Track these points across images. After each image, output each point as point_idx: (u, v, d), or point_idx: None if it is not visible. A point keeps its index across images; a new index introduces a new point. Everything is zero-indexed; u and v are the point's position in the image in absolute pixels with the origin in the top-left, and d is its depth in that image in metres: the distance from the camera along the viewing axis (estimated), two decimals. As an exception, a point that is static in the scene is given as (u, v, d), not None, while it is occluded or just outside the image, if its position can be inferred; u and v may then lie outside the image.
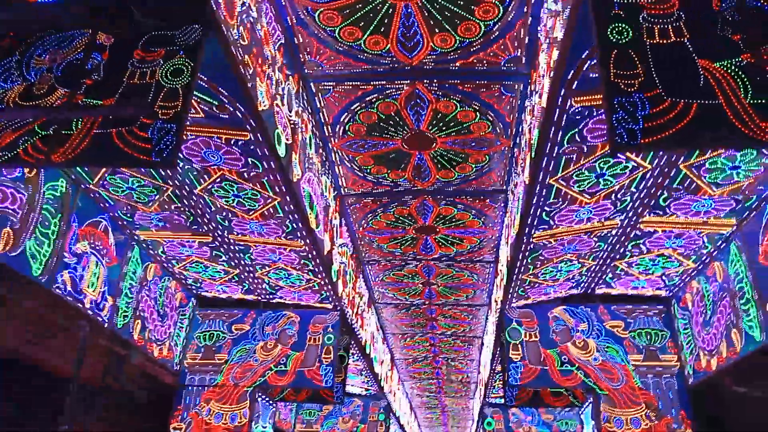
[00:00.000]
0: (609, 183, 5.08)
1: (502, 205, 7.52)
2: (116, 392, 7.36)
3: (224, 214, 5.95)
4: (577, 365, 7.46)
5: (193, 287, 8.18)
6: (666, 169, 4.93)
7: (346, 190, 7.35)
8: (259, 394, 8.09)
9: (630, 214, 5.65)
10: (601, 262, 6.72)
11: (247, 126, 4.50)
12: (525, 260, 6.41)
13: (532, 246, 6.10)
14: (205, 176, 5.35)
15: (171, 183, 5.54)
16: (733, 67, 2.70)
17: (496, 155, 6.54)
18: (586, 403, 7.83)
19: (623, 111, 2.66)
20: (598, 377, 7.36)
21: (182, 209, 6.00)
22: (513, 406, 8.55)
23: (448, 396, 18.65)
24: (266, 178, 5.25)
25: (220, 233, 6.43)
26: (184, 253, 7.07)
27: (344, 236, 8.11)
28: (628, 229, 5.91)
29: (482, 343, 13.08)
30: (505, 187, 7.16)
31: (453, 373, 16.18)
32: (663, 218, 5.73)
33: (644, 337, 7.56)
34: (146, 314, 7.08)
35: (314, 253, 6.58)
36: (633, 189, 5.23)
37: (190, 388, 7.96)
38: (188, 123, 4.57)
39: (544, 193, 5.12)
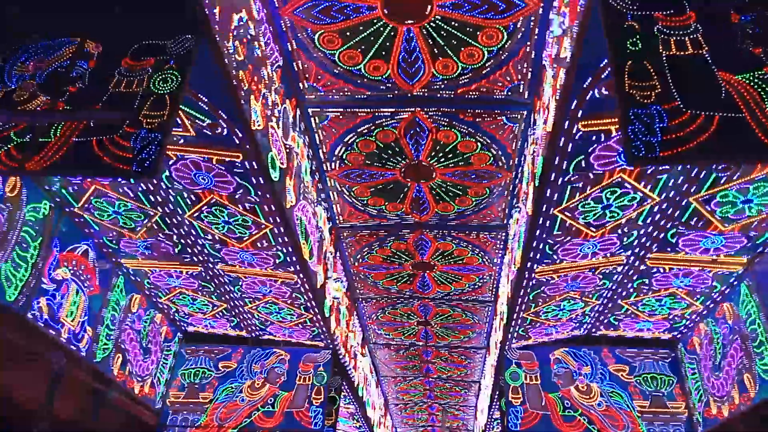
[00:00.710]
0: (615, 215, 4.88)
1: (502, 242, 7.30)
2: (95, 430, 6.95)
3: (213, 241, 5.70)
4: (580, 410, 7.09)
5: (180, 321, 7.85)
6: (675, 202, 4.73)
7: (341, 220, 7.13)
8: (244, 436, 7.65)
9: (637, 250, 5.43)
10: (605, 302, 6.46)
11: (240, 145, 4.31)
12: (527, 297, 6.14)
13: (534, 281, 5.85)
14: (195, 200, 5.13)
15: (159, 208, 5.32)
16: (756, 80, 2.55)
17: (496, 189, 6.36)
18: (591, 451, 7.43)
19: (640, 123, 2.51)
20: (602, 424, 6.98)
21: (170, 236, 5.76)
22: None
23: (443, 445, 17.96)
24: (258, 204, 5.03)
25: (209, 263, 6.17)
26: (170, 284, 6.78)
27: (339, 270, 7.85)
28: (635, 266, 5.67)
29: (479, 389, 12.62)
30: (505, 222, 6.96)
31: (449, 420, 15.60)
32: (670, 255, 5.51)
33: (650, 382, 7.22)
34: (128, 348, 6.73)
35: (306, 285, 6.31)
36: (640, 223, 5.02)
37: (171, 430, 7.52)
38: (178, 141, 4.39)
39: (547, 225, 4.91)
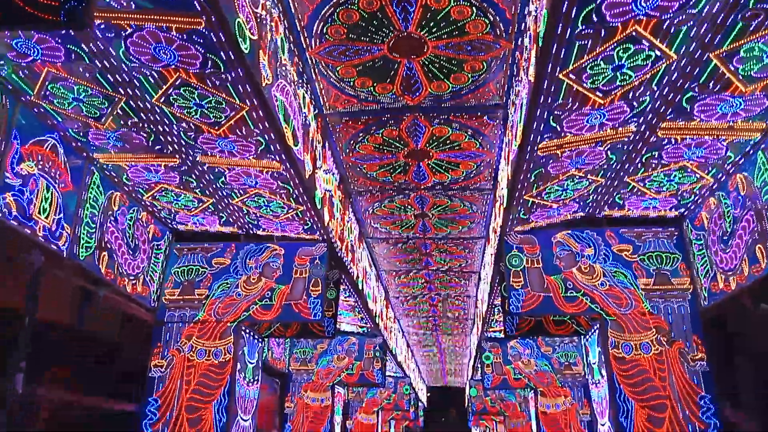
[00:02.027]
0: (627, 78, 4.39)
1: (501, 123, 6.84)
2: (86, 332, 6.89)
3: (188, 129, 5.25)
4: (582, 291, 6.97)
5: (167, 219, 7.57)
6: (694, 59, 4.23)
7: (327, 106, 6.63)
8: (245, 329, 7.62)
9: (648, 118, 4.98)
10: (611, 179, 6.10)
11: (201, 10, 3.75)
12: (528, 177, 5.78)
13: (536, 159, 5.46)
14: (160, 80, 4.62)
15: (123, 91, 4.82)
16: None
17: (495, 62, 5.80)
18: (592, 330, 7.40)
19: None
20: (605, 303, 6.88)
21: (140, 125, 5.30)
22: (513, 337, 8.15)
23: (444, 333, 18.49)
24: (230, 82, 4.53)
25: (187, 154, 5.75)
26: (150, 180, 6.41)
27: (329, 162, 7.45)
28: (645, 137, 5.25)
29: (479, 278, 12.66)
30: (504, 101, 6.46)
31: (449, 310, 15.90)
32: (684, 124, 5.07)
33: (654, 260, 7.04)
34: (114, 247, 6.49)
35: (294, 175, 5.93)
36: (654, 86, 4.54)
37: (169, 324, 7.47)
38: (131, 7, 3.83)
39: (552, 91, 4.44)
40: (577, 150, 5.41)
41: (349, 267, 9.00)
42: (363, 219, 9.83)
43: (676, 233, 7.12)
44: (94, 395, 7.18)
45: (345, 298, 10.23)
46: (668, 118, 5.00)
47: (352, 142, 7.28)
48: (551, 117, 4.79)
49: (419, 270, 12.55)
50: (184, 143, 5.54)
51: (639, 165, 5.81)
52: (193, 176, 6.26)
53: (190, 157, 5.82)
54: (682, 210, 6.89)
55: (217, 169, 6.05)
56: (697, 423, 6.31)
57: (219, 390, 7.06)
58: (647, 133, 5.17)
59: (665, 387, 6.50)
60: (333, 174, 7.69)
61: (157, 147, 5.70)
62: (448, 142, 7.19)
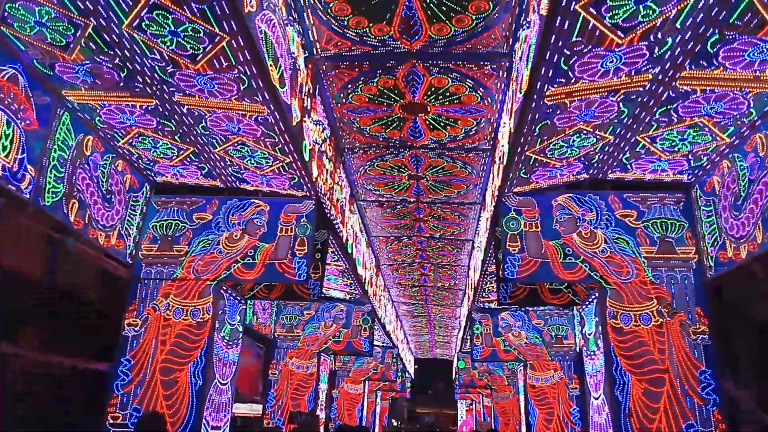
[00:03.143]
0: (650, 14, 3.94)
1: (505, 76, 6.38)
2: (57, 285, 6.47)
3: (163, 61, 4.76)
4: (582, 257, 6.61)
5: (146, 170, 7.10)
6: (727, -7, 3.79)
7: (318, 49, 6.14)
8: (226, 289, 7.23)
9: (668, 66, 4.55)
10: (620, 136, 5.69)
11: None
12: (532, 129, 5.35)
13: (543, 109, 5.03)
14: (130, 2, 4.13)
15: (90, 17, 4.33)
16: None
17: (502, 2, 5.33)
18: (588, 300, 7.07)
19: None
20: (605, 270, 6.54)
21: (111, 56, 4.81)
22: (506, 305, 7.81)
23: (434, 304, 18.22)
24: (207, 4, 4.05)
25: (163, 93, 5.27)
26: (125, 122, 5.93)
27: (319, 113, 6.98)
28: (662, 87, 4.82)
29: (472, 247, 12.30)
30: (509, 50, 5.99)
31: (441, 280, 15.58)
32: (706, 72, 4.64)
33: (659, 227, 6.68)
34: (85, 195, 6.03)
35: (279, 121, 5.47)
36: (678, 26, 4.10)
37: (146, 281, 7.06)
38: None
39: (566, 27, 3.99)
40: (588, 100, 4.98)
41: (338, 228, 8.59)
42: (354, 179, 9.40)
43: (684, 199, 6.74)
44: (65, 354, 6.80)
45: (333, 262, 9.84)
46: (689, 66, 4.56)
47: (344, 91, 6.80)
48: (563, 59, 4.35)
49: (411, 236, 12.17)
50: (159, 80, 5.06)
51: (652, 121, 5.39)
52: (172, 120, 5.79)
53: (167, 97, 5.34)
54: (692, 175, 6.51)
55: (196, 112, 5.58)
56: (696, 398, 6.03)
57: (196, 352, 6.69)
58: (665, 80, 4.74)
59: (664, 360, 6.20)
60: (323, 126, 7.23)
61: (131, 84, 5.22)
62: (447, 94, 6.73)
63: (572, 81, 4.67)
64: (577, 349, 11.80)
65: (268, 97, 5.11)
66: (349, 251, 9.80)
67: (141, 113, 5.72)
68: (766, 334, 6.09)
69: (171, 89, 5.20)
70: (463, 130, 7.59)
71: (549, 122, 5.28)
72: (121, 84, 5.22)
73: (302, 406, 12.53)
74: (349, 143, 8.17)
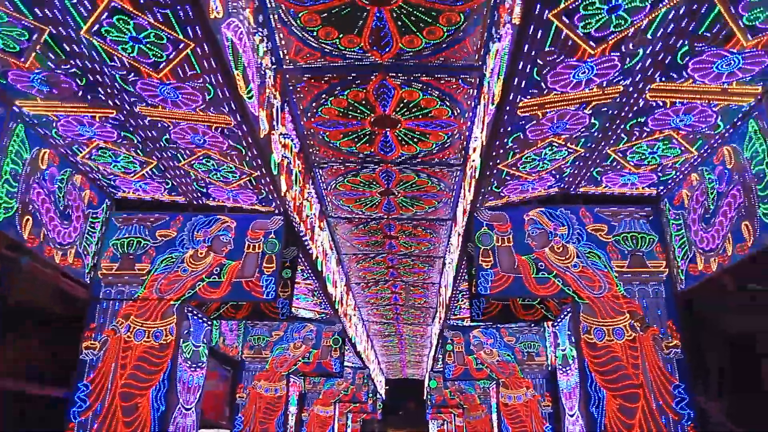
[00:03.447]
0: (623, 23, 3.94)
1: (476, 89, 6.35)
2: (9, 305, 6.12)
3: (124, 69, 4.56)
4: (554, 272, 6.56)
5: (106, 185, 6.82)
6: (696, 1, 3.81)
7: (287, 60, 6.01)
8: (190, 309, 6.94)
9: (638, 77, 4.56)
10: (591, 149, 5.69)
11: None
12: (505, 141, 5.30)
13: (515, 120, 4.98)
14: (89, 6, 3.94)
15: (45, 20, 4.12)
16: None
17: (473, 14, 5.30)
18: (561, 316, 7.01)
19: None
20: (578, 285, 6.49)
21: (69, 64, 4.59)
22: (480, 321, 7.70)
23: (405, 323, 18.05)
24: (172, 10, 3.89)
25: (125, 103, 5.05)
26: (84, 135, 5.68)
27: (288, 127, 6.83)
28: (633, 99, 4.84)
29: (444, 264, 12.22)
30: (480, 63, 5.97)
31: (412, 298, 15.44)
32: (675, 85, 4.68)
33: (630, 241, 6.69)
34: (40, 210, 5.73)
35: (246, 133, 5.31)
36: (649, 36, 4.11)
37: (105, 302, 6.73)
38: None
39: (539, 36, 3.95)
40: (560, 112, 4.96)
41: (307, 245, 8.40)
42: (324, 195, 9.24)
43: (653, 213, 6.78)
44: (16, 379, 6.41)
45: (303, 280, 9.62)
46: (659, 78, 4.59)
47: (314, 104, 6.68)
48: (535, 68, 4.31)
49: (382, 254, 12.03)
50: (120, 89, 4.85)
51: (622, 134, 5.41)
52: (133, 132, 5.56)
53: (129, 108, 5.13)
54: (661, 188, 6.55)
55: (160, 124, 5.37)
56: (670, 414, 5.98)
57: (158, 375, 6.38)
58: (635, 94, 4.75)
59: (638, 375, 6.16)
60: (292, 140, 7.07)
61: (90, 94, 4.99)
62: (418, 107, 6.67)
63: (544, 92, 4.64)
64: (550, 367, 11.76)
65: (235, 108, 4.95)
66: (319, 269, 9.60)
67: (101, 125, 5.48)
68: (736, 346, 6.11)
69: (133, 99, 4.99)
70: (435, 145, 7.53)
71: (521, 134, 5.25)
72: (80, 94, 4.99)
73: (270, 430, 12.15)
74: (318, 158, 8.02)
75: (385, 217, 10.07)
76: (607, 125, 5.24)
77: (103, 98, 5.02)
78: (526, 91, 4.58)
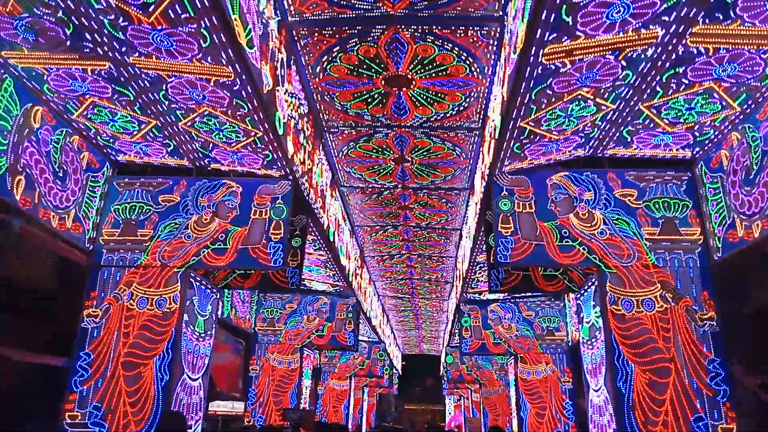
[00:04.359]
0: (665, -50, 3.45)
1: (496, 42, 5.87)
2: (5, 272, 5.87)
3: (112, 12, 4.19)
4: (579, 240, 6.14)
5: (106, 148, 6.52)
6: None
7: (293, 12, 5.59)
8: (196, 277, 6.67)
9: (682, 14, 4.06)
10: (623, 103, 5.21)
11: None
12: (528, 95, 4.85)
13: (540, 70, 4.52)
14: (66, -64, 3.56)
15: (22, -45, 3.76)
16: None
17: (493, -44, 4.83)
18: (586, 286, 6.60)
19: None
20: (604, 253, 6.07)
21: (53, 8, 4.23)
22: (498, 292, 7.33)
23: (421, 297, 17.74)
24: (157, -62, 3.50)
25: (116, 53, 4.70)
26: (78, 91, 5.35)
27: (294, 85, 6.44)
28: (671, 45, 4.35)
29: (460, 236, 11.82)
30: (501, 13, 5.49)
31: (428, 272, 15.10)
32: (721, 27, 4.17)
33: (661, 207, 6.23)
34: (34, 172, 5.44)
35: (247, 84, 4.92)
36: (695, -34, 3.61)
37: (107, 268, 6.48)
38: None
39: (569, -34, 3.48)
40: (589, 60, 4.49)
41: (318, 213, 8.05)
42: (335, 162, 8.86)
43: (687, 177, 6.30)
44: (18, 347, 6.21)
45: (314, 250, 9.31)
46: (703, 19, 4.09)
47: (322, 61, 6.26)
48: (564, 6, 3.84)
49: (397, 226, 11.66)
50: (110, 36, 4.49)
51: (657, 86, 4.92)
52: (129, 87, 5.21)
53: (121, 58, 4.77)
54: (697, 150, 6.06)
55: (155, 77, 5.01)
56: (704, 390, 5.57)
57: (162, 344, 6.13)
58: (674, 40, 4.26)
59: (669, 349, 5.75)
60: (300, 101, 6.68)
61: (79, 43, 4.64)
62: (433, 64, 6.21)
63: (573, 35, 4.17)
64: (570, 341, 11.39)
65: (233, 57, 4.56)
66: (331, 239, 9.27)
67: (94, 79, 5.14)
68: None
69: (124, 49, 4.63)
70: (451, 106, 7.08)
71: (546, 86, 4.79)
72: (68, 43, 4.64)
73: (285, 403, 12.00)
74: (328, 121, 7.62)
75: (400, 186, 9.67)
76: (641, 76, 4.76)
77: (94, 48, 4.66)
78: (553, 33, 4.12)
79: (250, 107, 5.27)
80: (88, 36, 4.51)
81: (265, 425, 11.50)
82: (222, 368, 11.37)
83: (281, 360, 12.28)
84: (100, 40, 4.53)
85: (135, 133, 6.07)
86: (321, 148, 8.16)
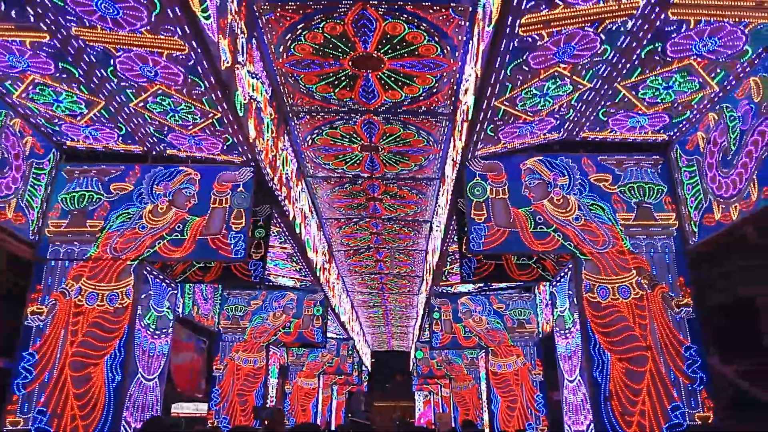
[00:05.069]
0: None
1: (468, 20, 5.61)
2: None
3: (48, -25, 3.79)
4: (554, 226, 5.95)
5: (51, 132, 6.04)
6: None
7: (253, -17, 5.24)
8: (151, 270, 6.25)
9: (661, -14, 3.88)
10: (601, 81, 5.02)
11: None
12: (503, 71, 4.60)
13: (516, 43, 4.28)
14: None
15: None
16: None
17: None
18: (561, 274, 6.42)
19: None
20: (579, 240, 5.90)
21: (-20, -32, 3.81)
22: (470, 281, 7.10)
23: (391, 292, 17.49)
24: None
25: (59, 24, 4.27)
26: (16, 67, 4.89)
27: (256, 65, 6.07)
28: (652, 17, 4.16)
29: (431, 228, 11.59)
30: (473, -11, 5.24)
31: (397, 267, 14.85)
32: (703, -1, 4.01)
33: (636, 192, 6.09)
34: (-33, 155, 4.96)
35: (203, 61, 4.55)
36: (679, -72, 3.42)
37: (53, 262, 6.01)
38: None
39: None
40: (568, 32, 4.27)
41: (282, 203, 7.69)
42: (301, 151, 8.50)
43: (661, 161, 6.18)
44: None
45: (280, 243, 8.94)
46: (685, -12, 3.91)
47: (286, 39, 5.91)
48: (543, -29, 3.61)
49: (366, 219, 11.36)
50: (49, 4, 4.06)
51: (636, 62, 4.74)
52: (73, 63, 4.78)
53: (63, 30, 4.34)
54: (673, 132, 5.94)
55: (101, 51, 4.59)
56: (681, 378, 5.45)
57: (114, 342, 5.71)
58: (657, 9, 4.07)
59: (646, 336, 5.61)
60: (262, 83, 6.32)
61: (14, 10, 4.20)
62: (403, 44, 5.93)
63: (552, 5, 3.94)
64: (541, 334, 11.29)
65: (188, 29, 4.19)
66: (297, 231, 8.92)
67: (33, 53, 4.69)
68: (753, 304, 5.58)
69: (67, 17, 4.21)
70: (422, 90, 6.81)
71: (522, 62, 4.55)
72: (2, 9, 4.20)
73: (250, 403, 11.58)
74: (293, 106, 7.27)
75: (369, 176, 9.38)
76: (620, 51, 4.57)
77: (31, 17, 4.23)
78: (531, 2, 3.88)
79: (207, 85, 4.90)
80: (24, 3, 4.08)
81: (232, 426, 11.08)
82: (184, 368, 10.92)
83: (246, 358, 11.86)
84: (38, 8, 4.10)
85: (82, 115, 5.62)
86: (286, 135, 7.80)
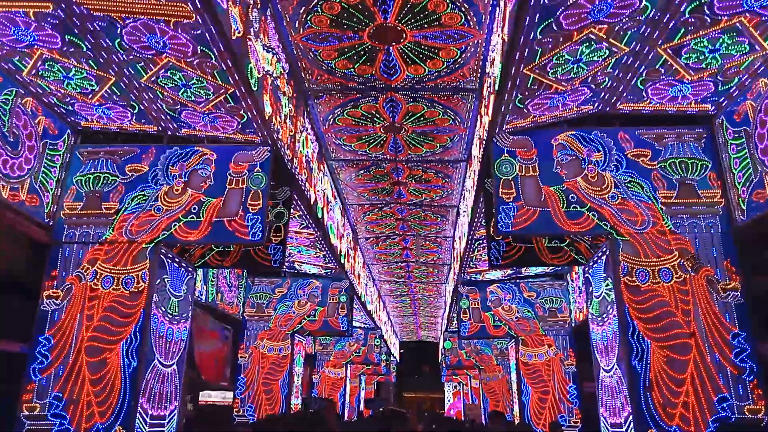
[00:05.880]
0: None
1: (495, -11, 5.26)
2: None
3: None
4: (588, 205, 5.56)
5: (64, 112, 5.90)
6: None
7: (265, -52, 4.97)
8: (168, 254, 6.08)
9: (711, -72, 3.46)
10: (640, 44, 4.60)
11: None
12: (533, 33, 4.24)
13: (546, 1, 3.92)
14: None
15: None
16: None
17: None
18: (596, 257, 6.02)
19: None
20: (616, 220, 5.50)
21: (-25, -70, 3.62)
22: (498, 266, 6.74)
23: (418, 281, 17.20)
24: None
25: (58, -9, 4.08)
26: (23, 41, 4.72)
27: (271, 40, 5.81)
28: (700, -35, 3.75)
29: (458, 214, 11.24)
30: (500, -51, 4.88)
31: (424, 254, 14.55)
32: (758, -58, 3.57)
33: (678, 168, 5.65)
34: (-24, 134, 4.83)
35: (211, 27, 4.30)
36: None
37: (68, 245, 5.88)
38: None
39: None
40: (604, -15, 3.88)
41: (303, 186, 7.45)
42: (322, 133, 8.25)
43: (705, 135, 5.72)
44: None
45: (302, 228, 8.71)
46: (738, -69, 3.49)
47: (301, 12, 5.63)
48: None
49: (391, 203, 11.08)
50: (47, -32, 3.87)
51: (679, 22, 4.31)
52: (80, 35, 4.59)
53: (65, -2, 4.15)
54: (722, 100, 5.46)
55: (107, 20, 4.38)
56: (729, 367, 5.03)
57: (129, 327, 5.55)
58: (705, -44, 3.65)
59: (689, 323, 5.19)
60: (279, 59, 6.06)
61: (14, -22, 4.02)
62: (425, 13, 5.59)
63: (586, -47, 3.56)
64: (573, 323, 10.86)
65: (193, -7, 3.94)
66: (320, 216, 8.69)
67: (38, 25, 4.51)
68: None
69: (67, -16, 4.01)
70: (446, 64, 6.47)
71: (553, 21, 4.18)
72: (2, -22, 4.02)
73: (275, 392, 11.45)
74: (312, 84, 7.00)
75: (393, 158, 9.07)
76: (662, 8, 4.15)
77: (32, -16, 4.04)
78: (563, -50, 3.51)
79: (217, 54, 4.65)
80: (22, -33, 3.89)
81: (258, 415, 10.99)
82: (209, 356, 10.82)
83: (271, 347, 11.73)
84: (36, -28, 3.91)
85: (94, 93, 5.45)
86: (305, 115, 7.55)
